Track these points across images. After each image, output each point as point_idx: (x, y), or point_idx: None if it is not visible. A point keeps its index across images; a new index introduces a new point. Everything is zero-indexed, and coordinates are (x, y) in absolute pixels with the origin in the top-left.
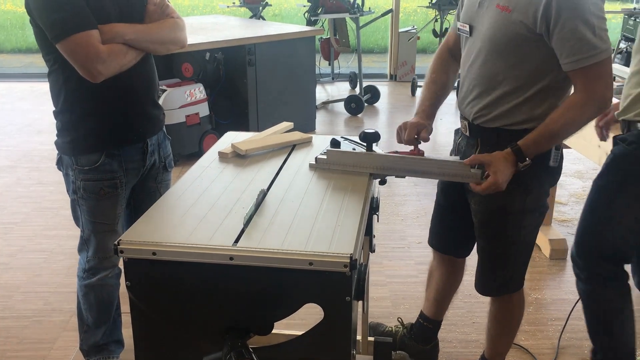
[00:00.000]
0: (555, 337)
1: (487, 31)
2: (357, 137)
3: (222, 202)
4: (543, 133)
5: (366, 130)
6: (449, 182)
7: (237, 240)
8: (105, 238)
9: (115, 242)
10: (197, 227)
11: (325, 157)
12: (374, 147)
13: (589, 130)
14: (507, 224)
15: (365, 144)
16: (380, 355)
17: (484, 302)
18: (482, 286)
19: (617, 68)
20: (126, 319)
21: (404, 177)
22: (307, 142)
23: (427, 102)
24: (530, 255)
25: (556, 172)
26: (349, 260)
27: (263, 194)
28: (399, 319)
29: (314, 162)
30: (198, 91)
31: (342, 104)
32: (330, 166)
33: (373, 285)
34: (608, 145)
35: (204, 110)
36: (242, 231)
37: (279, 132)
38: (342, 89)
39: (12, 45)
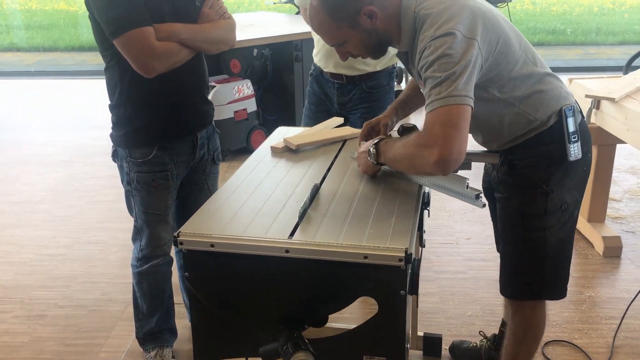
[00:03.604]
0: (610, 335)
1: None
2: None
3: (276, 195)
4: None
5: (404, 125)
6: (484, 186)
7: (292, 234)
8: (158, 227)
9: (175, 234)
10: (253, 220)
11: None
12: None
13: None
14: (530, 227)
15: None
16: (429, 350)
17: None
18: (508, 289)
19: None
20: (178, 309)
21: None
22: (358, 137)
23: (397, 101)
24: (565, 257)
25: (580, 164)
26: (404, 254)
27: (316, 188)
28: (481, 332)
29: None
30: (246, 87)
31: None
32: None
33: (421, 281)
34: None
35: (251, 106)
36: (297, 224)
37: (329, 127)
38: None
39: (65, 43)
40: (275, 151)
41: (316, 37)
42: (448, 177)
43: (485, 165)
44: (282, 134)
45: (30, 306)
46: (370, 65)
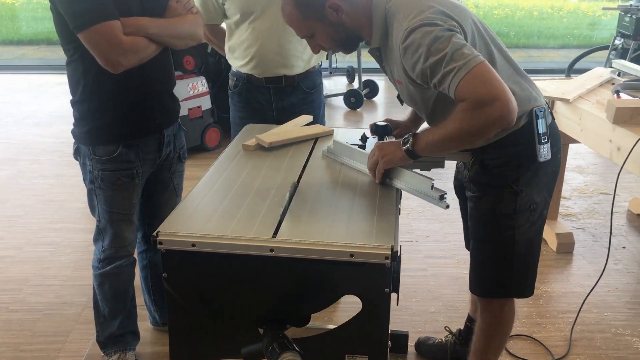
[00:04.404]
0: (567, 329)
1: (409, 101)
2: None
3: (255, 194)
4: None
5: (377, 123)
6: (455, 184)
7: (275, 232)
8: (122, 227)
9: (154, 234)
10: (234, 219)
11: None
12: (386, 139)
13: (600, 124)
14: (500, 227)
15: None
16: (396, 347)
17: None
18: (477, 287)
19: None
20: (139, 311)
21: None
22: (329, 135)
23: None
24: (533, 256)
25: (550, 165)
26: (390, 252)
27: (294, 187)
28: (447, 328)
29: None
30: (200, 84)
31: (340, 98)
32: (336, 157)
33: None
34: (619, 140)
35: (206, 103)
36: (280, 223)
37: (298, 125)
38: (339, 84)
39: (2, 36)
40: (248, 149)
41: (245, 45)
42: (414, 177)
43: (457, 164)
44: (250, 132)
45: None
46: (305, 60)
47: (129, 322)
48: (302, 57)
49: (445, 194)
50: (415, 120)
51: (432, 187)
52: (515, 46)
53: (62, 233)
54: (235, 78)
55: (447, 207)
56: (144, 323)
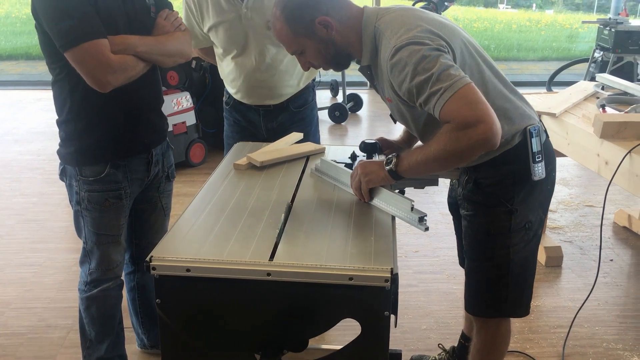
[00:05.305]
0: (559, 344)
1: (400, 120)
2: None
3: (249, 215)
4: None
5: (366, 141)
6: (449, 201)
7: (272, 255)
8: (109, 250)
9: (147, 259)
10: (229, 242)
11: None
12: (376, 157)
13: (588, 138)
14: (495, 246)
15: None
16: None
17: None
18: (473, 306)
19: (603, 77)
20: (128, 334)
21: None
22: (321, 153)
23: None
24: (528, 275)
25: (544, 184)
26: (390, 275)
27: (289, 208)
28: (440, 345)
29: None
30: (185, 100)
31: (325, 112)
32: (323, 176)
33: None
34: (606, 154)
35: (190, 119)
36: (276, 245)
37: (289, 143)
38: (322, 97)
39: None
40: (239, 168)
41: (231, 77)
42: (394, 197)
43: (451, 181)
44: (241, 150)
45: None
46: (294, 86)
47: (116, 345)
48: (289, 84)
49: (425, 215)
50: (408, 140)
51: (412, 208)
52: (496, 59)
53: (44, 253)
54: (227, 95)
55: (427, 229)
56: (132, 346)
